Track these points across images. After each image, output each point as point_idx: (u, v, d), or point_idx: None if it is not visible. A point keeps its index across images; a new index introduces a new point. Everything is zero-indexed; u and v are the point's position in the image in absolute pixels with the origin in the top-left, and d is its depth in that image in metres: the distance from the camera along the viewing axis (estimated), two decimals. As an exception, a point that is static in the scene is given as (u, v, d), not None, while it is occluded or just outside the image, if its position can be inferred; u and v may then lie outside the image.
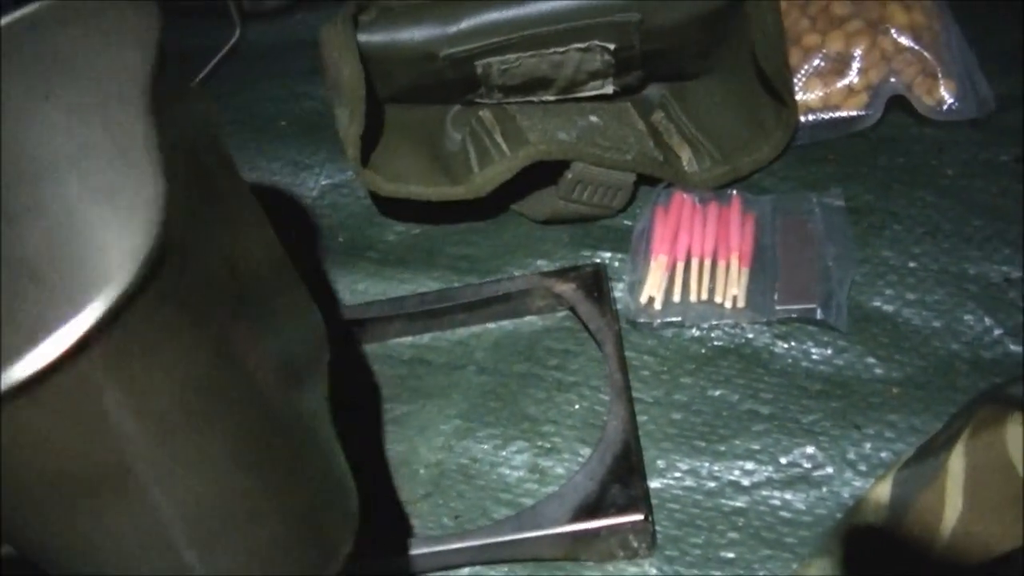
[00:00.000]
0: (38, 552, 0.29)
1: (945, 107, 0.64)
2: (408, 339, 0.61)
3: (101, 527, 0.26)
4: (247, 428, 0.29)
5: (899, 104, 0.64)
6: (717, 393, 0.55)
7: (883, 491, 0.49)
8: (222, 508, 0.29)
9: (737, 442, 0.54)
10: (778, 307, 0.56)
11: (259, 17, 0.79)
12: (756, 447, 0.53)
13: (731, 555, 0.50)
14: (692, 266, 0.59)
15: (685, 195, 0.61)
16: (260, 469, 0.30)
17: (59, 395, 0.22)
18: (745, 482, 0.52)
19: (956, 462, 0.48)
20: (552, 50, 0.60)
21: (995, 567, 0.43)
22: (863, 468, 0.52)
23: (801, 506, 0.51)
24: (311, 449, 0.33)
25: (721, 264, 0.58)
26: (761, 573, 0.50)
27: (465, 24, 0.59)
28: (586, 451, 0.54)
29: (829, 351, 0.56)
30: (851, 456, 0.52)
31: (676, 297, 0.58)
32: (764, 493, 0.52)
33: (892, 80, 0.64)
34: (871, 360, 0.55)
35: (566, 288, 0.56)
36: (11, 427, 0.22)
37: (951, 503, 0.47)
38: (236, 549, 0.30)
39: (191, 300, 0.25)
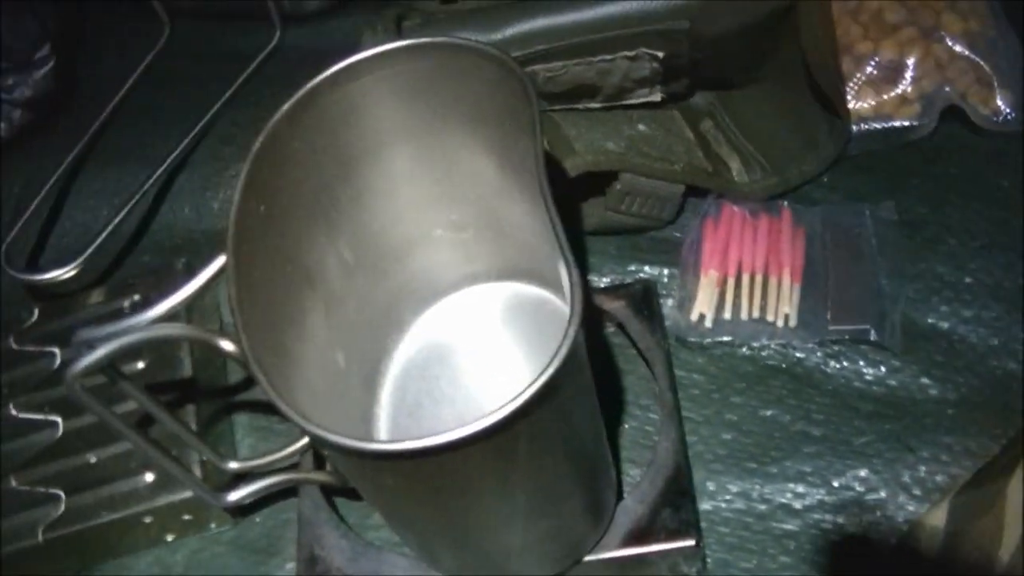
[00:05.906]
0: (420, 532, 0.44)
1: (1000, 117, 0.62)
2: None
3: (476, 507, 0.39)
4: (580, 448, 0.42)
5: (953, 114, 0.63)
6: (768, 413, 0.55)
7: (939, 516, 0.48)
8: (553, 492, 0.41)
9: (788, 464, 0.53)
10: (831, 327, 0.55)
11: (300, 20, 0.78)
12: (807, 469, 0.53)
13: (783, 580, 0.50)
14: (743, 282, 0.58)
15: (735, 207, 0.60)
16: (579, 466, 0.42)
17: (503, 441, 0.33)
18: (796, 505, 0.52)
19: (1015, 489, 0.47)
20: (599, 58, 0.59)
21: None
22: (917, 492, 0.51)
23: (853, 530, 0.51)
24: (603, 450, 0.46)
25: (772, 280, 0.57)
26: (813, 599, 0.49)
27: (510, 31, 0.58)
28: (636, 472, 0.53)
29: (882, 370, 0.55)
30: (905, 479, 0.52)
31: (727, 315, 0.57)
32: (816, 516, 0.51)
33: (946, 89, 0.62)
34: (925, 380, 0.55)
35: (615, 305, 0.55)
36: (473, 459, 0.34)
37: (1009, 530, 0.46)
38: (551, 517, 0.43)
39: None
